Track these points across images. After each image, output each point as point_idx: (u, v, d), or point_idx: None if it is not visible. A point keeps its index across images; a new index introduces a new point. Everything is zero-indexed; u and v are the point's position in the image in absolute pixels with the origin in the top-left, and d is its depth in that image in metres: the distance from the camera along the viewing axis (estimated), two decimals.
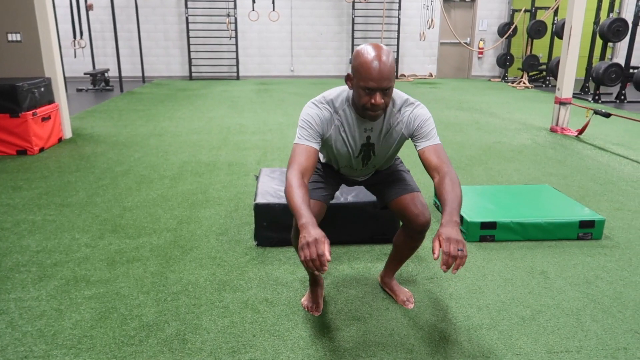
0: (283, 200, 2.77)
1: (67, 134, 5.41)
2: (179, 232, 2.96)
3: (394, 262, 2.23)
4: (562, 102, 5.89)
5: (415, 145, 1.86)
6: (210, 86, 10.28)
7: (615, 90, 9.27)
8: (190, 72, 11.53)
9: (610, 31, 8.54)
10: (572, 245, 2.85)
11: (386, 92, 1.68)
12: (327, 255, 1.44)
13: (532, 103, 8.45)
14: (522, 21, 11.46)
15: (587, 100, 8.74)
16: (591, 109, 5.56)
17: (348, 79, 1.75)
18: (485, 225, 2.85)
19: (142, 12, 11.13)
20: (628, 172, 4.32)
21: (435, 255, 1.48)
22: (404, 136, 1.89)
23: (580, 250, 2.78)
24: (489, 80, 12.23)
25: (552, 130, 6.01)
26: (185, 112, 7.09)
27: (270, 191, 2.90)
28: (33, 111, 4.69)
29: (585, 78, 9.54)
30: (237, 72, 11.65)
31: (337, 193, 2.89)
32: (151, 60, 11.53)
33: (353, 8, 11.52)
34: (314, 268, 1.45)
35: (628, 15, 11.48)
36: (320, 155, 2.08)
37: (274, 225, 2.74)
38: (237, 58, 11.57)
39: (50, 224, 3.04)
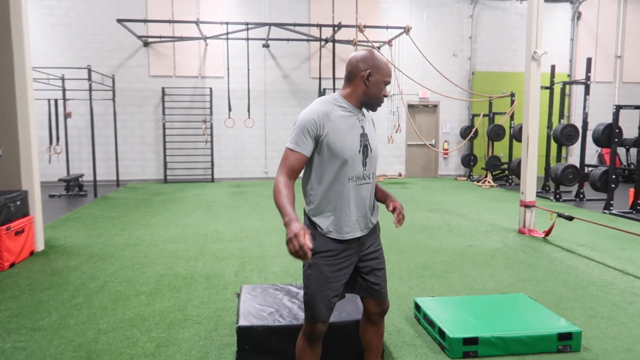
0: (266, 322, 2.75)
1: (40, 246, 5.30)
2: (157, 358, 2.86)
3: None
4: (527, 205, 6.19)
5: None
6: (185, 189, 10.39)
7: (574, 189, 9.80)
8: (165, 175, 11.68)
9: (563, 136, 9.23)
10: (553, 359, 2.88)
11: None
12: (308, 244, 1.76)
13: (498, 202, 8.83)
14: (481, 125, 12.29)
15: (549, 199, 9.19)
16: (555, 212, 5.85)
17: (363, 77, 2.04)
18: (467, 341, 2.87)
19: (120, 118, 11.47)
20: (596, 276, 4.48)
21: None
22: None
23: None
24: (456, 179, 12.78)
25: (520, 231, 6.25)
26: (161, 219, 7.09)
27: (252, 312, 2.88)
28: (7, 225, 4.63)
29: (545, 177, 10.10)
30: (212, 174, 11.88)
31: None
32: (126, 164, 11.68)
33: None
34: (300, 258, 1.76)
35: (577, 119, 12.50)
36: (320, 184, 2.07)
37: (257, 349, 2.70)
38: (212, 161, 11.86)
39: (20, 353, 2.90)
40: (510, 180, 11.64)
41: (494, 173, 12.03)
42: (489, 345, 2.89)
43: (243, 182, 11.81)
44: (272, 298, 3.11)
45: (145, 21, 9.98)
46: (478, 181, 11.81)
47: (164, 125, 11.59)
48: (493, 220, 7.07)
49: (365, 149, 2.09)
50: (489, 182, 11.44)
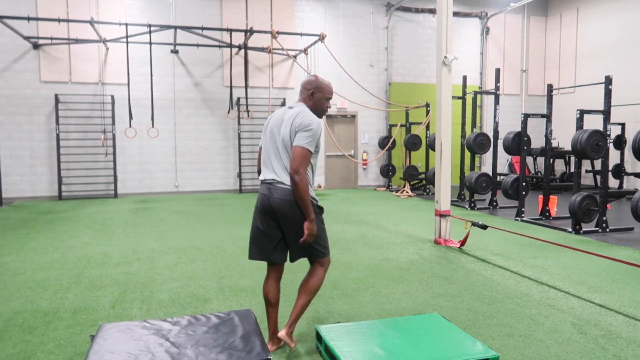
0: None
1: None
2: None
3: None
4: (442, 215, 5.98)
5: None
6: (81, 207, 9.31)
7: (488, 197, 9.92)
8: (60, 191, 10.47)
9: (476, 144, 9.30)
10: None
11: None
12: None
13: (415, 212, 8.66)
14: (399, 135, 12.28)
15: (464, 207, 9.19)
16: (469, 221, 5.67)
17: (310, 96, 2.83)
18: None
19: (5, 128, 10.17)
20: (511, 287, 4.26)
21: None
22: None
23: None
24: (375, 189, 12.63)
25: (436, 242, 6.01)
26: (41, 241, 6.13)
27: None
28: None
29: (460, 186, 10.16)
30: (115, 189, 10.82)
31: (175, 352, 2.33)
32: (13, 179, 10.34)
33: (239, 124, 11.58)
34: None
35: (488, 129, 12.85)
36: (312, 171, 2.82)
37: None
38: (115, 175, 10.81)
39: None
40: (427, 190, 11.65)
41: (411, 183, 12.00)
42: None
43: (150, 197, 10.87)
44: (135, 340, 2.49)
45: (29, 19, 8.83)
46: (397, 191, 11.71)
47: (58, 136, 10.40)
48: (410, 231, 6.82)
49: None
50: (407, 192, 11.36)
